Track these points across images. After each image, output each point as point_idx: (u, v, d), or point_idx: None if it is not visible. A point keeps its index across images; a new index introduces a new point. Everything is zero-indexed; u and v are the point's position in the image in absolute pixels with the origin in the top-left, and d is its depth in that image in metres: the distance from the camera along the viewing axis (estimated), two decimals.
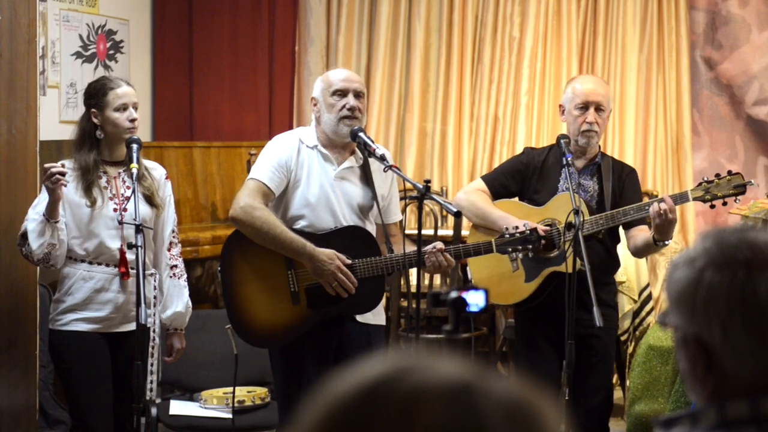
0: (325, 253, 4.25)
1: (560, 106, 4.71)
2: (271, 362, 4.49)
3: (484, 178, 4.75)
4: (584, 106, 4.57)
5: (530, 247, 4.33)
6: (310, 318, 4.32)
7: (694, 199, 4.49)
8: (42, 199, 4.27)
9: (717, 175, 4.52)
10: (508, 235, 4.34)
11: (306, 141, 4.40)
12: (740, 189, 4.51)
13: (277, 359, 4.42)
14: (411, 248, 4.33)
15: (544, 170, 4.64)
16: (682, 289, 1.61)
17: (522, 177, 4.67)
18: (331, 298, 4.30)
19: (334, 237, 4.32)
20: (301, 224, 4.35)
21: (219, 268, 4.45)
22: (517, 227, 4.35)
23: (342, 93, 4.33)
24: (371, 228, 4.43)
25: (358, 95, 4.35)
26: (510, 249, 4.34)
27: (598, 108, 4.56)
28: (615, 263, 4.76)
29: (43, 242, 4.22)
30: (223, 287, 4.42)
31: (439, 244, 4.27)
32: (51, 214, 4.22)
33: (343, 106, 4.32)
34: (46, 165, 4.19)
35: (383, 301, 4.44)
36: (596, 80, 4.86)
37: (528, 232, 4.32)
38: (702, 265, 1.60)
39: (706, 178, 4.55)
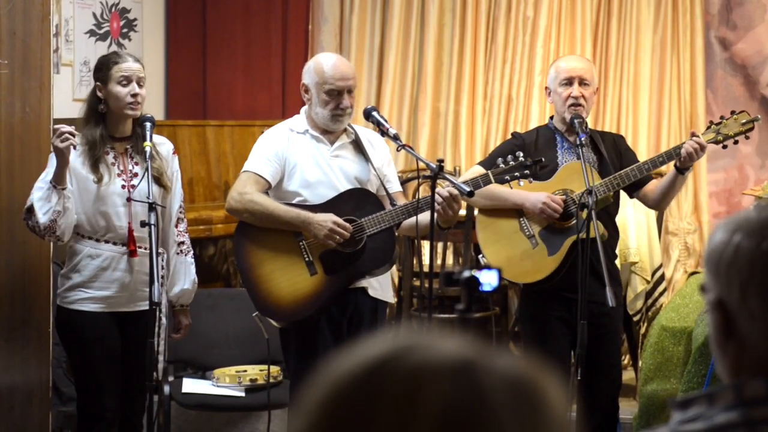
0: (320, 216, 4.28)
1: (546, 88, 4.77)
2: (282, 341, 4.50)
3: (482, 164, 4.72)
4: (568, 82, 4.62)
5: (527, 172, 4.31)
6: (330, 284, 4.34)
7: (708, 142, 4.53)
8: (48, 172, 4.22)
9: (722, 117, 4.58)
10: (503, 165, 4.33)
11: (296, 128, 4.45)
12: (749, 125, 4.62)
13: (292, 338, 4.43)
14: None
15: (538, 150, 4.66)
16: (712, 251, 1.64)
17: None
18: (346, 260, 4.32)
19: (336, 203, 4.35)
20: (299, 201, 4.39)
21: (235, 261, 4.47)
22: (510, 155, 4.34)
23: (337, 92, 4.36)
24: None
25: (350, 91, 4.38)
26: (508, 177, 4.32)
27: (582, 82, 4.62)
28: (617, 234, 4.81)
29: (49, 208, 4.16)
30: (242, 275, 4.45)
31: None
32: (58, 180, 4.16)
33: (337, 105, 4.35)
34: (56, 126, 4.15)
35: (396, 280, 4.44)
36: (579, 57, 5.01)
37: (522, 159, 4.31)
38: (735, 228, 1.62)
39: (713, 121, 4.61)
